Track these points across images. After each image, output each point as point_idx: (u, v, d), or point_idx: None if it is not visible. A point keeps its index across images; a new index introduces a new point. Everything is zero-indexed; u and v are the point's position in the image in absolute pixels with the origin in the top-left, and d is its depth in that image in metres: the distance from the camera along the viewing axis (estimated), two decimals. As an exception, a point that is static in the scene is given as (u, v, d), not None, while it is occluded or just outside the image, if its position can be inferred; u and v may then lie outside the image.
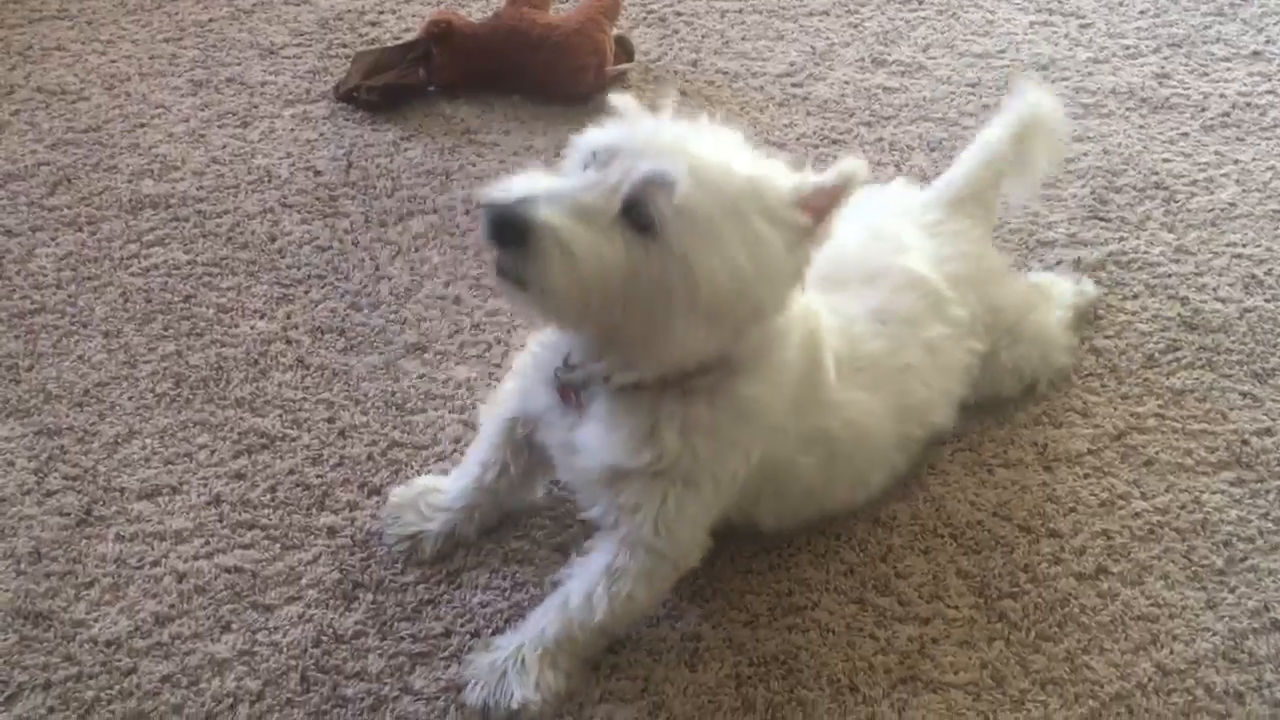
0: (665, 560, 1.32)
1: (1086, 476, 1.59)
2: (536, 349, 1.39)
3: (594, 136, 1.21)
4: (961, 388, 1.55)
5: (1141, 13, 2.48)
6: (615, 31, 2.27)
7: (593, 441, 1.29)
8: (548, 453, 1.41)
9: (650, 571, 1.32)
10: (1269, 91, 2.25)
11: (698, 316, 1.15)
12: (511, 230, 1.11)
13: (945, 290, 1.51)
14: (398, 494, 1.52)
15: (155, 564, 1.47)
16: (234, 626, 1.41)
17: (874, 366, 1.42)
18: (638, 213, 1.13)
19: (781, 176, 1.20)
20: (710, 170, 1.15)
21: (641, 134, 1.18)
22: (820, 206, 1.18)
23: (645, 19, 2.45)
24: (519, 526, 1.52)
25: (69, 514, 1.52)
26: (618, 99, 1.26)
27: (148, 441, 1.62)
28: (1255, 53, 2.36)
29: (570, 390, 1.31)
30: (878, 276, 1.48)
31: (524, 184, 1.15)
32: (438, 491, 1.50)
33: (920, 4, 2.51)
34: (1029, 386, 1.68)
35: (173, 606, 1.43)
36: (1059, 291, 1.76)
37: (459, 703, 1.34)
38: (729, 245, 1.14)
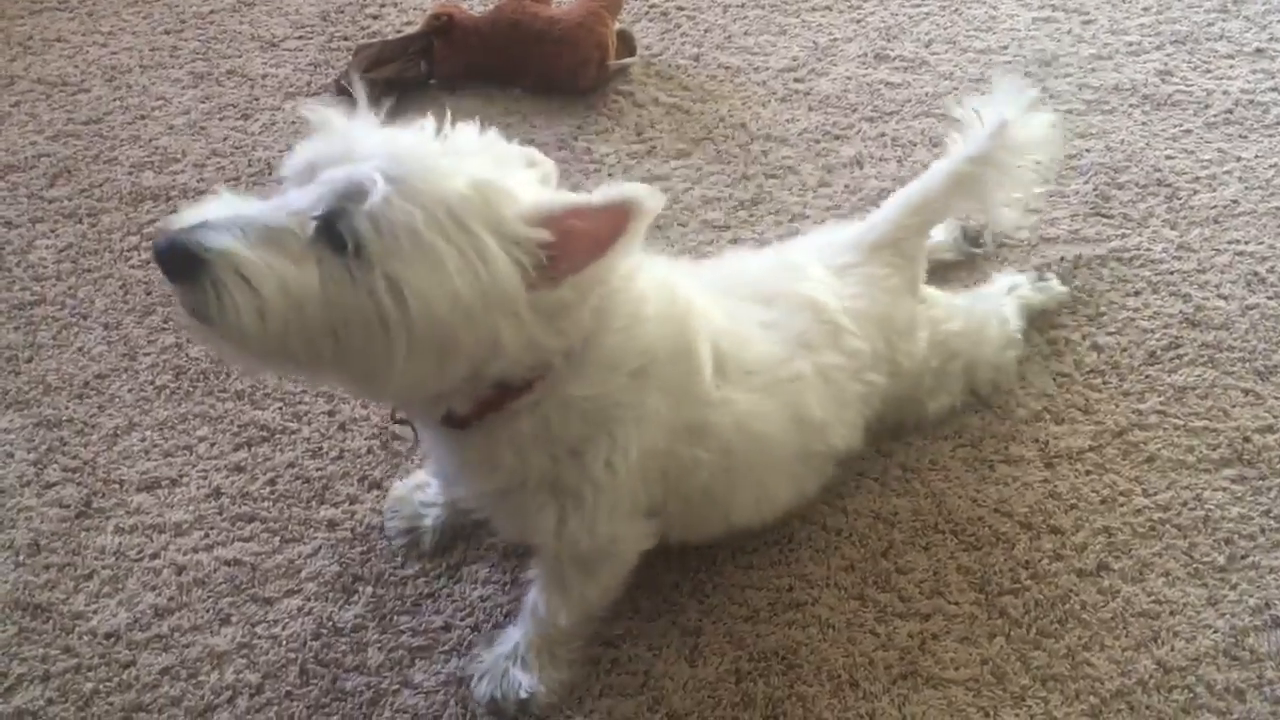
0: (598, 559, 1.28)
1: (1088, 473, 1.59)
2: None
3: (293, 154, 1.06)
4: (860, 416, 1.45)
5: (1145, 9, 2.47)
6: (617, 26, 2.26)
7: (450, 471, 1.25)
8: None
9: (587, 571, 1.29)
10: (1272, 89, 2.24)
11: (421, 348, 1.00)
12: (180, 262, 0.97)
13: (844, 321, 1.41)
14: (397, 489, 1.52)
15: (154, 556, 1.47)
16: (233, 619, 1.41)
17: (764, 371, 1.32)
18: (332, 231, 0.98)
19: (525, 188, 1.05)
20: (417, 175, 0.98)
21: (340, 144, 1.02)
22: (583, 230, 1.01)
23: (648, 13, 2.45)
24: (519, 520, 1.52)
25: (68, 506, 1.52)
26: (311, 110, 1.07)
27: (147, 434, 1.61)
28: (1258, 50, 2.35)
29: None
30: (775, 298, 1.39)
31: (199, 210, 1.01)
32: (430, 486, 1.50)
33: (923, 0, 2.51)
34: (969, 396, 1.65)
35: (172, 599, 1.42)
36: (1000, 313, 1.69)
37: (461, 697, 1.34)
38: (445, 263, 0.98)
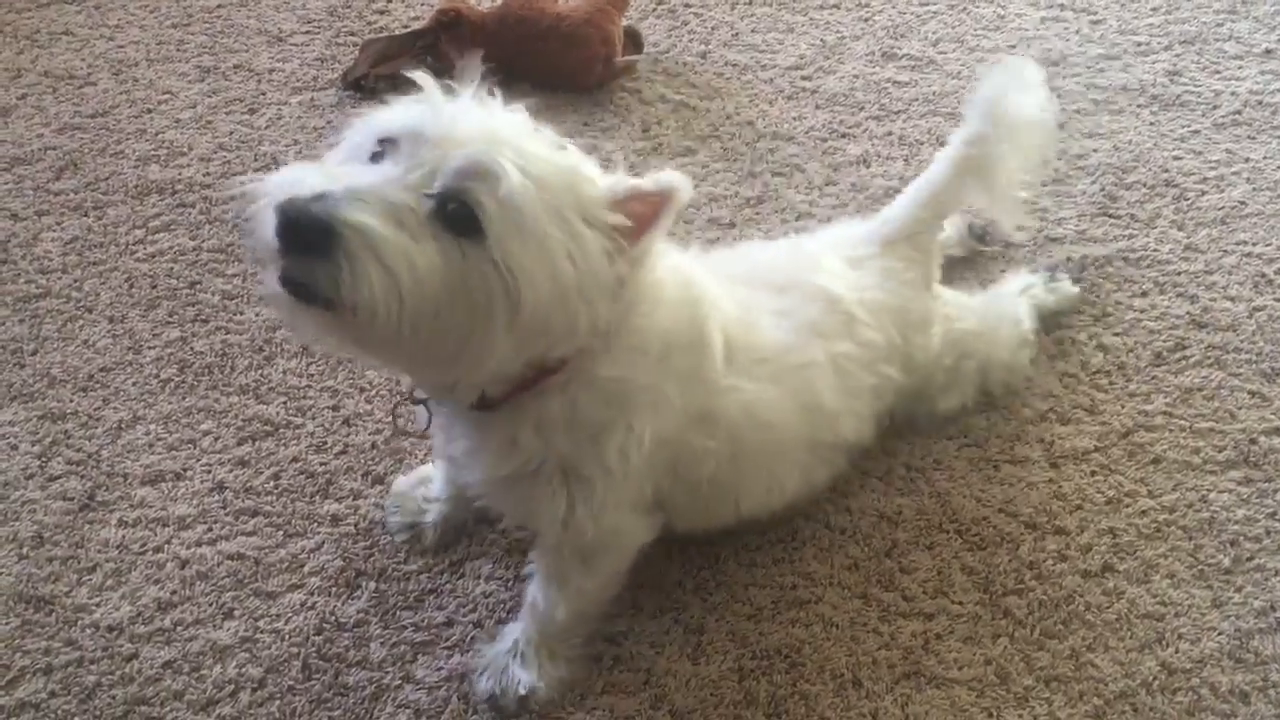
0: (599, 551, 1.27)
1: (1093, 474, 1.58)
2: None
3: (383, 119, 1.03)
4: (872, 408, 1.46)
5: (1154, 9, 2.46)
6: (624, 22, 2.26)
7: (464, 458, 1.24)
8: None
9: (587, 564, 1.28)
10: (1281, 90, 2.24)
11: (518, 329, 1.00)
12: (311, 234, 0.92)
13: (858, 312, 1.41)
14: (399, 484, 1.52)
15: (158, 550, 1.47)
16: (236, 613, 1.41)
17: (775, 360, 1.32)
18: (455, 211, 0.97)
19: (594, 171, 1.07)
20: (533, 160, 1.00)
21: (445, 117, 1.00)
22: (638, 214, 1.05)
23: (655, 10, 2.44)
24: (523, 517, 1.51)
25: (72, 499, 1.52)
26: (415, 73, 1.06)
27: (151, 427, 1.61)
28: (1267, 51, 2.34)
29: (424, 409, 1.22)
30: (788, 288, 1.38)
31: (316, 178, 0.96)
32: (433, 482, 1.49)
33: (931, -2, 2.50)
34: (984, 396, 1.65)
35: (175, 592, 1.42)
36: (1014, 313, 1.68)
37: (463, 693, 1.34)
38: (554, 248, 1.00)
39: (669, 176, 1.04)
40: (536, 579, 1.33)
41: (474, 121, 1.01)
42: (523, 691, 1.32)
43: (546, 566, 1.31)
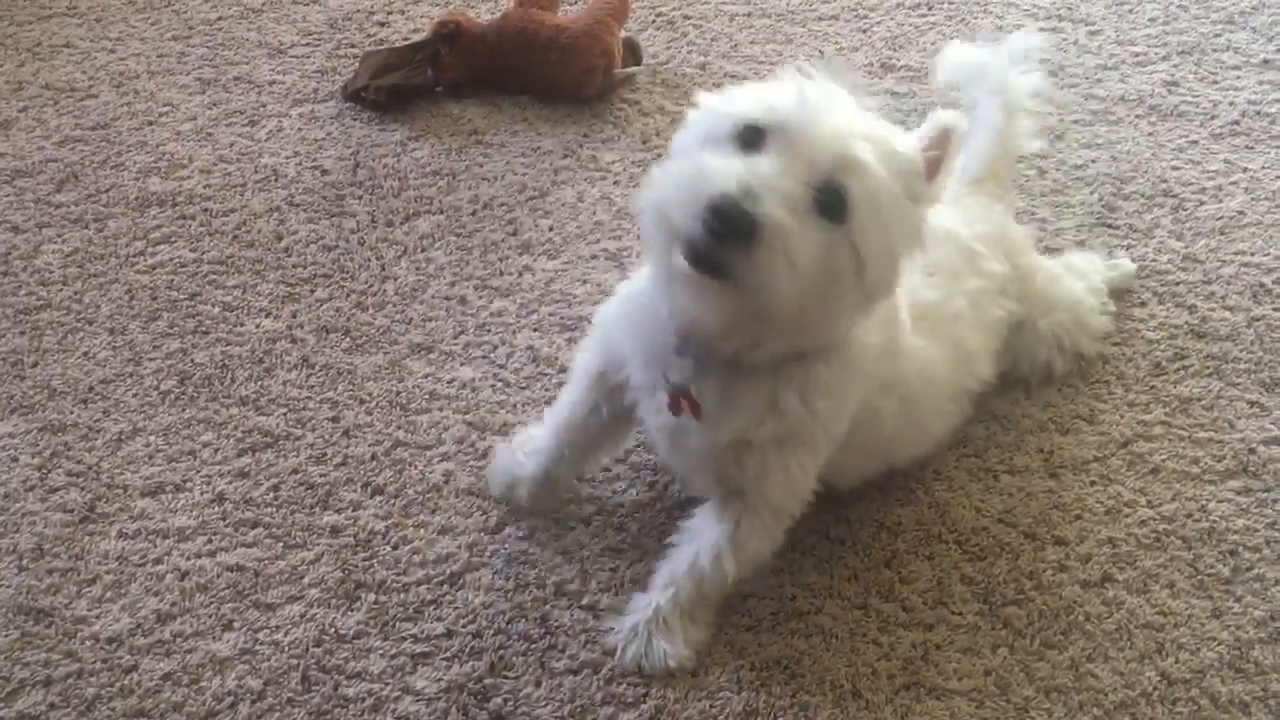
0: (784, 515, 1.37)
1: (1092, 484, 1.58)
2: (624, 316, 1.38)
3: (745, 105, 1.16)
4: (998, 341, 1.58)
5: (1151, 20, 2.47)
6: (623, 34, 2.27)
7: (710, 421, 1.28)
8: (644, 427, 1.42)
9: (772, 526, 1.37)
10: (1279, 100, 2.24)
11: (862, 301, 1.18)
12: (741, 226, 1.06)
13: (976, 246, 1.53)
14: (500, 448, 1.55)
15: (158, 561, 1.47)
16: (236, 625, 1.41)
17: (931, 315, 1.43)
18: (827, 201, 1.11)
19: (904, 141, 1.19)
20: (882, 149, 1.14)
21: (811, 110, 1.13)
22: (931, 169, 1.20)
23: (654, 22, 2.45)
24: (521, 528, 1.51)
25: (72, 510, 1.52)
26: (801, 68, 1.21)
27: (151, 439, 1.62)
28: (1265, 61, 2.35)
29: (681, 396, 1.28)
30: None
31: (734, 171, 1.09)
32: (532, 438, 1.53)
33: (930, 10, 2.51)
34: (1073, 356, 1.70)
35: (174, 604, 1.42)
36: (1090, 266, 1.79)
37: (462, 704, 1.34)
38: (894, 229, 1.15)
39: (942, 117, 1.20)
40: (705, 541, 1.37)
41: (840, 112, 1.14)
42: (669, 663, 1.36)
43: (724, 529, 1.36)
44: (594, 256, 1.91)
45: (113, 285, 1.84)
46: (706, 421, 1.29)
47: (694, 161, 1.13)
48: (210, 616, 1.41)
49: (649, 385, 1.33)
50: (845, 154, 1.11)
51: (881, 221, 1.13)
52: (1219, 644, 1.41)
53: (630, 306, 1.37)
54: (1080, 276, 1.75)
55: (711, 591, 1.39)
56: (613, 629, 1.40)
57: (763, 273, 1.08)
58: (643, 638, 1.37)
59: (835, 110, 1.15)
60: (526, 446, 1.53)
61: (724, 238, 1.07)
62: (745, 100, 1.18)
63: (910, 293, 1.39)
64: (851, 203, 1.11)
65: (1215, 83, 2.29)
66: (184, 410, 1.66)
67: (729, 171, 1.09)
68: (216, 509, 1.53)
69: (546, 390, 1.69)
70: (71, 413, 1.65)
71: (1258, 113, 2.21)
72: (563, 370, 1.72)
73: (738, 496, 1.35)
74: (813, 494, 1.38)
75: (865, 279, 1.15)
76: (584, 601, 1.44)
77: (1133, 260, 1.89)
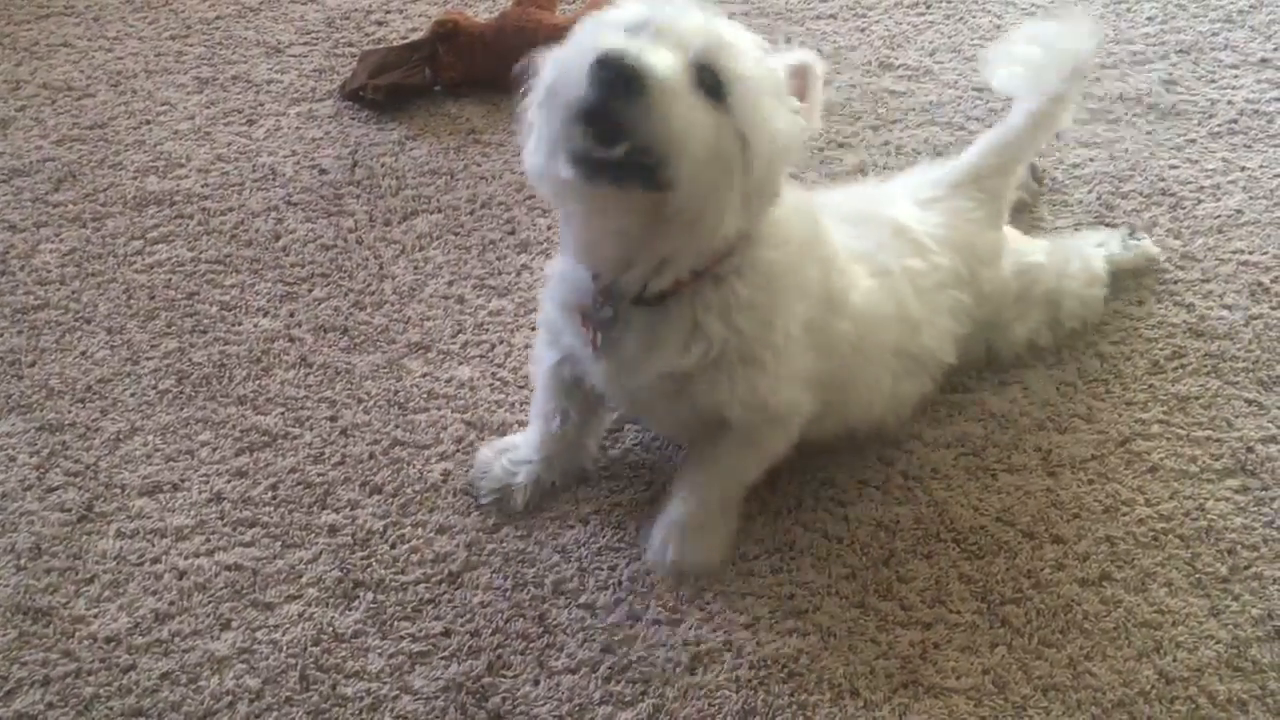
0: (773, 426, 1.40)
1: (1090, 482, 1.58)
2: (550, 294, 1.41)
3: (616, 16, 1.19)
4: (951, 326, 1.58)
5: (1149, 19, 2.47)
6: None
7: (642, 357, 1.32)
8: (598, 393, 1.45)
9: (771, 430, 1.41)
10: (1277, 99, 2.24)
11: (745, 189, 1.18)
12: (628, 77, 1.07)
13: (925, 240, 1.55)
14: (482, 453, 1.57)
15: (155, 561, 1.47)
16: (234, 624, 1.40)
17: (863, 259, 1.47)
18: (707, 79, 1.13)
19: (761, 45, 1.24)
20: (751, 42, 1.20)
21: (672, 10, 1.17)
22: (794, 89, 1.25)
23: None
24: (519, 527, 1.51)
25: (70, 510, 1.52)
26: None
27: (149, 438, 1.61)
28: (1263, 60, 2.35)
29: (588, 325, 1.33)
30: (861, 220, 1.53)
31: (615, 40, 1.10)
32: (515, 447, 1.55)
33: (928, 8, 2.51)
34: (1058, 337, 1.74)
35: (172, 604, 1.42)
36: (1093, 249, 1.80)
37: (461, 703, 1.34)
38: (773, 117, 1.19)
39: (799, 55, 1.27)
40: (722, 444, 1.41)
41: (698, 14, 1.18)
42: (701, 557, 1.45)
43: (736, 440, 1.40)
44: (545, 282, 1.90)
45: (110, 284, 1.84)
46: (635, 358, 1.32)
47: (577, 41, 1.17)
48: (208, 616, 1.41)
49: (581, 344, 1.37)
50: (715, 34, 1.15)
51: (759, 106, 1.16)
52: (1217, 642, 1.41)
53: (553, 283, 1.41)
54: (1066, 260, 1.75)
55: (735, 489, 1.46)
56: (649, 534, 1.47)
57: (660, 126, 1.09)
58: (678, 535, 1.44)
59: (699, 10, 1.19)
60: (512, 455, 1.54)
61: (614, 90, 1.07)
62: (617, 12, 1.20)
63: (841, 242, 1.44)
64: (727, 81, 1.14)
65: (1213, 81, 2.29)
66: (182, 409, 1.65)
67: (613, 38, 1.12)
68: (214, 508, 1.53)
69: (545, 389, 1.69)
70: (69, 412, 1.65)
71: (1255, 111, 2.21)
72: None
73: (722, 427, 1.39)
74: (810, 406, 1.40)
75: (751, 167, 1.17)
76: (582, 600, 1.44)
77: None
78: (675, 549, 1.44)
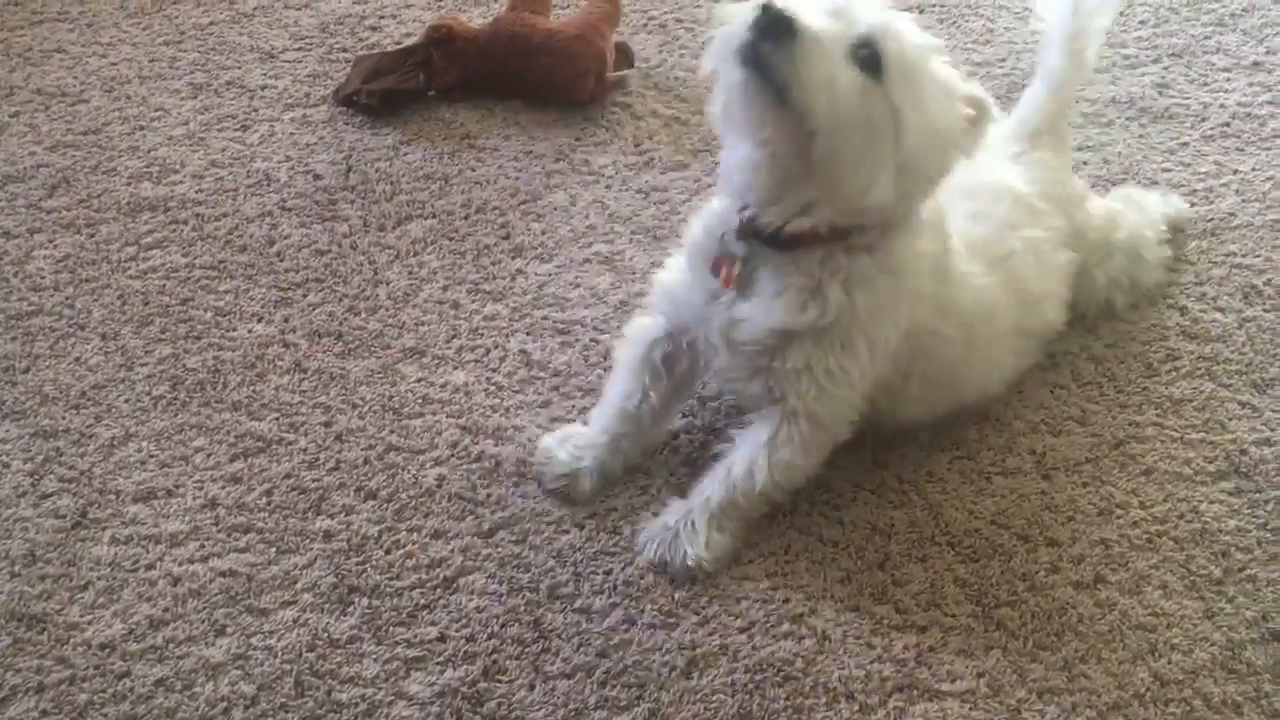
0: (822, 428, 1.44)
1: (1085, 485, 1.59)
2: (694, 240, 1.47)
3: None
4: (1065, 289, 1.66)
5: (1142, 23, 2.48)
6: (616, 38, 2.27)
7: (757, 308, 1.39)
8: (699, 351, 1.50)
9: (808, 440, 1.44)
10: (1269, 102, 2.25)
11: (894, 164, 1.27)
12: (783, 26, 1.21)
13: (1038, 203, 1.62)
14: (545, 440, 1.58)
15: (150, 567, 1.47)
16: (228, 630, 1.40)
17: (983, 250, 1.52)
18: (866, 56, 1.24)
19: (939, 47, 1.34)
20: (920, 38, 1.30)
21: None
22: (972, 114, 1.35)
23: (646, 25, 2.45)
24: (514, 532, 1.51)
25: (64, 516, 1.52)
26: None
27: (144, 444, 1.61)
28: (1255, 63, 2.36)
29: (726, 261, 1.40)
30: (973, 191, 1.57)
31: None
32: (579, 433, 1.57)
33: (921, 12, 2.51)
34: (1132, 291, 1.80)
35: (167, 610, 1.42)
36: (1146, 206, 1.86)
37: (456, 708, 1.34)
38: (931, 105, 1.28)
39: (976, 88, 1.36)
40: (742, 449, 1.46)
41: (875, 4, 1.29)
42: (690, 562, 1.44)
43: (765, 438, 1.44)
44: (586, 260, 1.91)
45: (105, 290, 1.84)
46: (755, 306, 1.38)
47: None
48: (203, 622, 1.41)
49: (707, 297, 1.43)
50: (883, 20, 1.26)
51: (917, 91, 1.26)
52: (1211, 644, 1.41)
53: (687, 251, 1.47)
54: (1138, 209, 1.84)
55: (742, 499, 1.46)
56: (644, 529, 1.49)
57: (802, 74, 1.21)
58: (669, 537, 1.46)
59: (879, 3, 1.30)
60: (576, 440, 1.57)
61: (766, 33, 1.21)
62: None
63: (960, 234, 1.49)
64: (887, 63, 1.24)
65: (1205, 85, 2.30)
66: (176, 415, 1.65)
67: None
68: (209, 514, 1.53)
69: (540, 394, 1.69)
70: (63, 418, 1.64)
71: (1248, 115, 2.22)
72: (555, 374, 1.72)
73: (779, 405, 1.42)
74: (857, 415, 1.46)
75: (903, 145, 1.26)
76: (577, 605, 1.44)
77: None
78: (660, 547, 1.46)
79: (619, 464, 1.57)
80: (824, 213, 1.33)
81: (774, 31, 1.21)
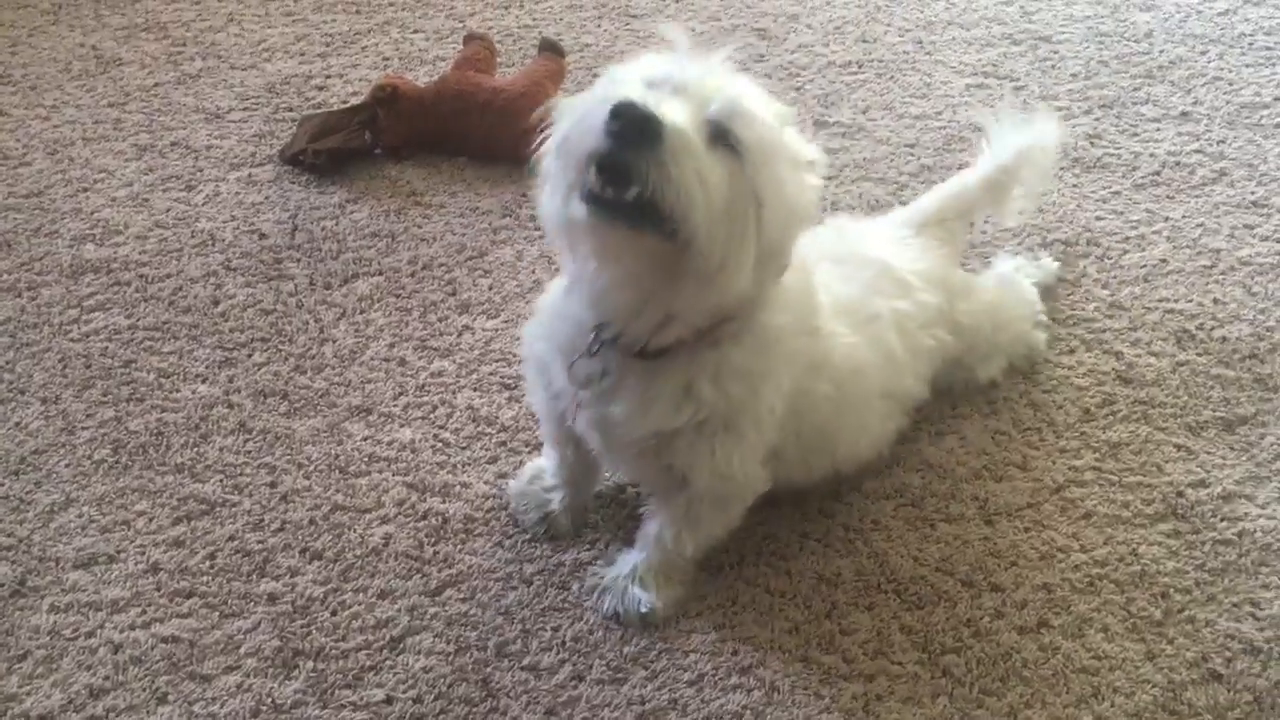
0: (734, 500, 1.43)
1: (1027, 530, 1.61)
2: (542, 332, 1.42)
3: (642, 67, 1.21)
4: (929, 368, 1.64)
5: (1073, 76, 2.55)
6: (561, 95, 2.30)
7: (631, 411, 1.33)
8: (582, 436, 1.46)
9: (721, 508, 1.44)
10: (1197, 150, 2.32)
11: (754, 252, 1.19)
12: (644, 126, 1.08)
13: (910, 278, 1.60)
14: (514, 485, 1.61)
15: (90, 635, 1.44)
16: (170, 698, 1.38)
17: (850, 311, 1.49)
18: (723, 136, 1.15)
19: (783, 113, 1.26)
20: (770, 110, 1.22)
21: (698, 69, 1.20)
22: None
23: (591, 83, 2.47)
24: (462, 589, 1.51)
25: (2, 585, 1.49)
26: (668, 29, 1.25)
27: (85, 509, 1.59)
28: (1183, 113, 2.43)
29: (577, 381, 1.34)
30: (844, 260, 1.56)
31: (635, 92, 1.13)
32: (543, 473, 1.59)
33: (860, 68, 2.57)
34: (1011, 374, 1.83)
35: (107, 678, 1.40)
36: (1024, 292, 1.88)
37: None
38: (788, 183, 1.21)
39: (819, 151, 1.29)
40: (662, 521, 1.46)
41: (715, 76, 1.20)
42: (644, 609, 1.46)
43: (679, 511, 1.43)
44: (533, 315, 1.92)
45: (46, 354, 1.82)
46: (626, 409, 1.33)
47: (594, 92, 1.19)
48: (144, 690, 1.39)
49: (569, 388, 1.38)
50: (733, 94, 1.17)
51: (775, 173, 1.18)
52: (1153, 686, 1.43)
53: (545, 316, 1.42)
54: (1018, 298, 1.85)
55: (679, 559, 1.48)
56: (598, 575, 1.51)
57: (673, 178, 1.09)
58: (619, 588, 1.48)
59: (721, 71, 1.21)
60: (543, 482, 1.59)
61: (627, 140, 1.09)
62: (640, 65, 1.23)
63: (826, 289, 1.46)
64: (744, 145, 1.16)
65: (1136, 135, 2.36)
66: (118, 479, 1.63)
67: (630, 89, 1.14)
68: (151, 579, 1.51)
69: (487, 450, 1.69)
70: (2, 484, 1.62)
71: (1177, 163, 2.28)
72: (503, 429, 1.72)
73: (683, 486, 1.40)
74: (766, 483, 1.43)
75: (764, 232, 1.18)
76: (525, 662, 1.43)
77: (1060, 309, 1.93)
78: (613, 599, 1.48)
79: (586, 496, 1.60)
80: (689, 320, 1.26)
81: (637, 138, 1.09)
